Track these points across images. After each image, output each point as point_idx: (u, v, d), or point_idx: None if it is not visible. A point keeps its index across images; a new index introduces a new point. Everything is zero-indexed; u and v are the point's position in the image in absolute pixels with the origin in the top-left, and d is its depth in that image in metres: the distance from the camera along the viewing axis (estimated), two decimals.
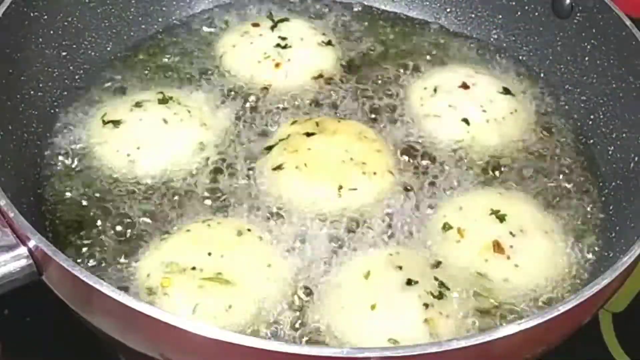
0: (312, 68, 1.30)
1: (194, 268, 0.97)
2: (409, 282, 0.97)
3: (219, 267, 0.97)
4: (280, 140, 1.15)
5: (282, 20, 1.35)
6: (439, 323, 0.94)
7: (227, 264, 0.98)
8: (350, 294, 0.98)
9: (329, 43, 1.34)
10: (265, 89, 1.26)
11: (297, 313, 0.97)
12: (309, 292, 1.00)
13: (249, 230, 1.03)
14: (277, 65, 1.28)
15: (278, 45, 1.30)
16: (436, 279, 0.99)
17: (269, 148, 1.15)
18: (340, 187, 1.09)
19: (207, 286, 0.95)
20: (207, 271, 0.97)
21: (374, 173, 1.11)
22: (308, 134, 1.14)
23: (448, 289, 0.98)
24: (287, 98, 1.25)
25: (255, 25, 1.34)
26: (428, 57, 1.35)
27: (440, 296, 0.96)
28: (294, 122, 1.18)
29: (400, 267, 0.99)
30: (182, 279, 0.96)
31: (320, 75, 1.29)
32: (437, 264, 1.02)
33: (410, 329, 0.93)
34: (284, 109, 1.23)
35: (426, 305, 0.95)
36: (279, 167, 1.11)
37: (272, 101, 1.25)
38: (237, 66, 1.29)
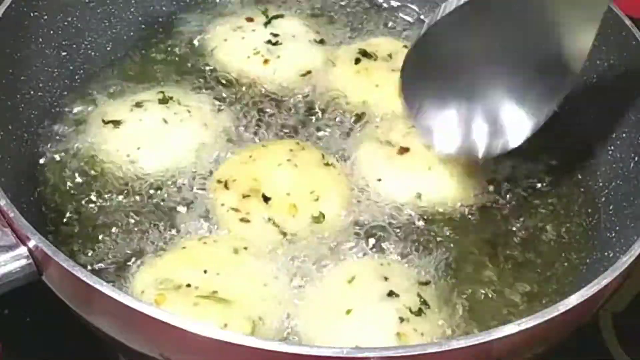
0: (300, 66, 1.28)
1: (189, 285, 0.95)
2: (390, 293, 0.95)
3: (215, 286, 0.95)
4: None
5: (276, 17, 1.33)
6: (411, 339, 0.91)
7: (223, 283, 0.95)
8: (330, 296, 0.96)
9: (320, 42, 1.32)
10: (252, 84, 1.25)
11: (294, 332, 0.95)
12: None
13: (245, 248, 1.01)
14: (265, 61, 1.27)
15: (269, 41, 1.29)
16: (420, 296, 0.97)
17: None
18: None
19: (203, 304, 0.93)
20: (202, 289, 0.95)
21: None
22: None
23: (429, 307, 0.96)
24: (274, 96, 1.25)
25: (250, 20, 1.33)
26: None
27: (418, 313, 0.94)
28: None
29: (386, 278, 0.98)
30: (176, 296, 0.94)
31: (309, 73, 1.27)
32: (427, 283, 1.00)
33: (380, 339, 0.91)
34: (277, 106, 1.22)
35: (401, 319, 0.93)
36: None
37: (260, 99, 1.24)
38: (227, 60, 1.28)
